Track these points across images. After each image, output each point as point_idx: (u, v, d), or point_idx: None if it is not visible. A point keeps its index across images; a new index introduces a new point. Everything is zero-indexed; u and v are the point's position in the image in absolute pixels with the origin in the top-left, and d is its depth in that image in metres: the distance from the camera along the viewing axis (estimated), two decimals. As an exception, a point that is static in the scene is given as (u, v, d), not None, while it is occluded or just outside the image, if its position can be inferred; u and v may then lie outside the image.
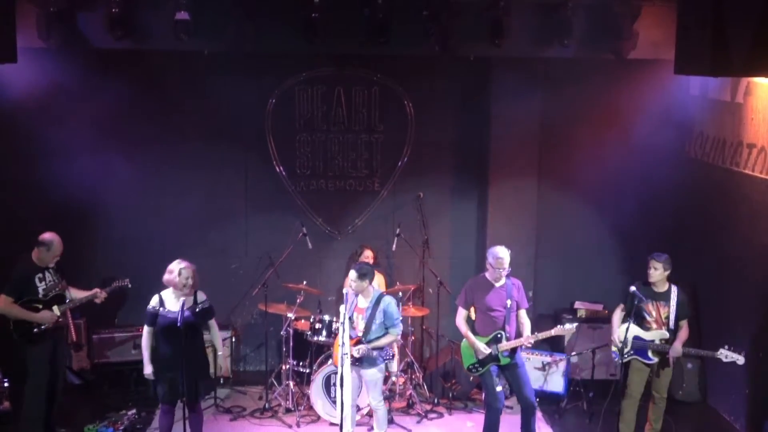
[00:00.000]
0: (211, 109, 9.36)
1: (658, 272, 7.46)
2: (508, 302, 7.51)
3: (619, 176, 9.43)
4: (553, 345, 9.34)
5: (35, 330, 7.43)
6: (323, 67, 9.48)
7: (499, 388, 7.53)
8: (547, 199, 9.61)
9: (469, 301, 7.65)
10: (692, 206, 9.14)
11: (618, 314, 7.73)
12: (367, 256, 9.04)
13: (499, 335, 7.49)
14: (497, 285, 7.54)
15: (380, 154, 9.71)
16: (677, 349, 7.43)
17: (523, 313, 7.64)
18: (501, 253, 7.48)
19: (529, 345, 7.64)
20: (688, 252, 9.04)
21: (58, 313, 7.52)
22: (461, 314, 7.67)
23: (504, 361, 7.50)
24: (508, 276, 7.57)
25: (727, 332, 8.20)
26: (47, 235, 7.50)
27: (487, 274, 7.60)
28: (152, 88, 9.20)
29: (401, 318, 7.76)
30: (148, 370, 7.16)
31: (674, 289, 7.54)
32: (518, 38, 8.05)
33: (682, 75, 7.20)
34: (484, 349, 7.44)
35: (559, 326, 7.64)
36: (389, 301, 7.46)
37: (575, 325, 7.73)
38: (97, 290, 7.77)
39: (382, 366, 7.53)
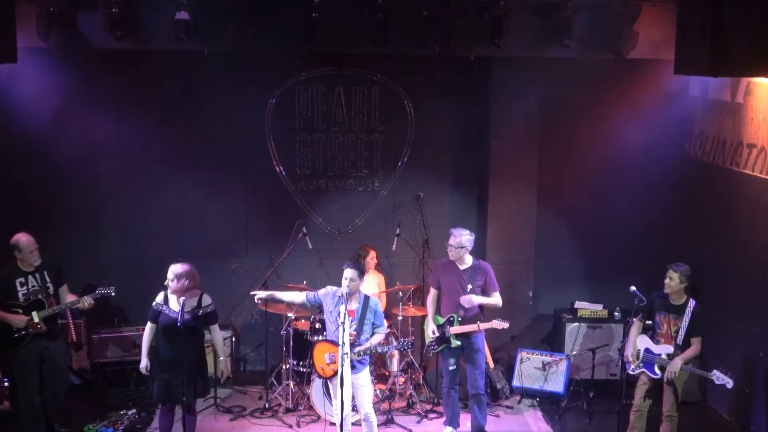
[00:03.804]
0: (211, 109, 9.37)
1: (673, 282, 7.22)
2: (469, 286, 7.63)
3: (619, 176, 9.41)
4: (554, 345, 9.34)
5: (15, 335, 7.41)
6: (323, 67, 9.48)
7: (452, 368, 7.74)
8: (546, 198, 9.62)
9: (436, 282, 7.86)
10: (692, 206, 9.13)
11: (637, 326, 7.51)
12: (373, 256, 9.04)
13: (451, 318, 7.67)
14: (462, 268, 7.70)
15: (380, 154, 9.71)
16: (675, 364, 7.17)
17: (494, 294, 7.73)
18: (451, 233, 7.67)
19: (478, 330, 7.67)
20: (687, 252, 9.03)
21: (36, 320, 7.46)
22: (431, 294, 7.90)
23: (454, 343, 7.68)
24: (477, 259, 7.68)
25: (727, 332, 8.19)
26: (14, 237, 7.50)
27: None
28: (152, 88, 9.19)
29: None
30: (143, 363, 7.21)
31: (691, 303, 7.29)
32: (518, 38, 8.06)
33: (682, 75, 7.21)
34: (432, 334, 7.71)
35: (496, 320, 7.63)
36: (377, 301, 7.41)
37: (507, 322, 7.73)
38: (83, 298, 7.72)
39: (369, 368, 7.47)
